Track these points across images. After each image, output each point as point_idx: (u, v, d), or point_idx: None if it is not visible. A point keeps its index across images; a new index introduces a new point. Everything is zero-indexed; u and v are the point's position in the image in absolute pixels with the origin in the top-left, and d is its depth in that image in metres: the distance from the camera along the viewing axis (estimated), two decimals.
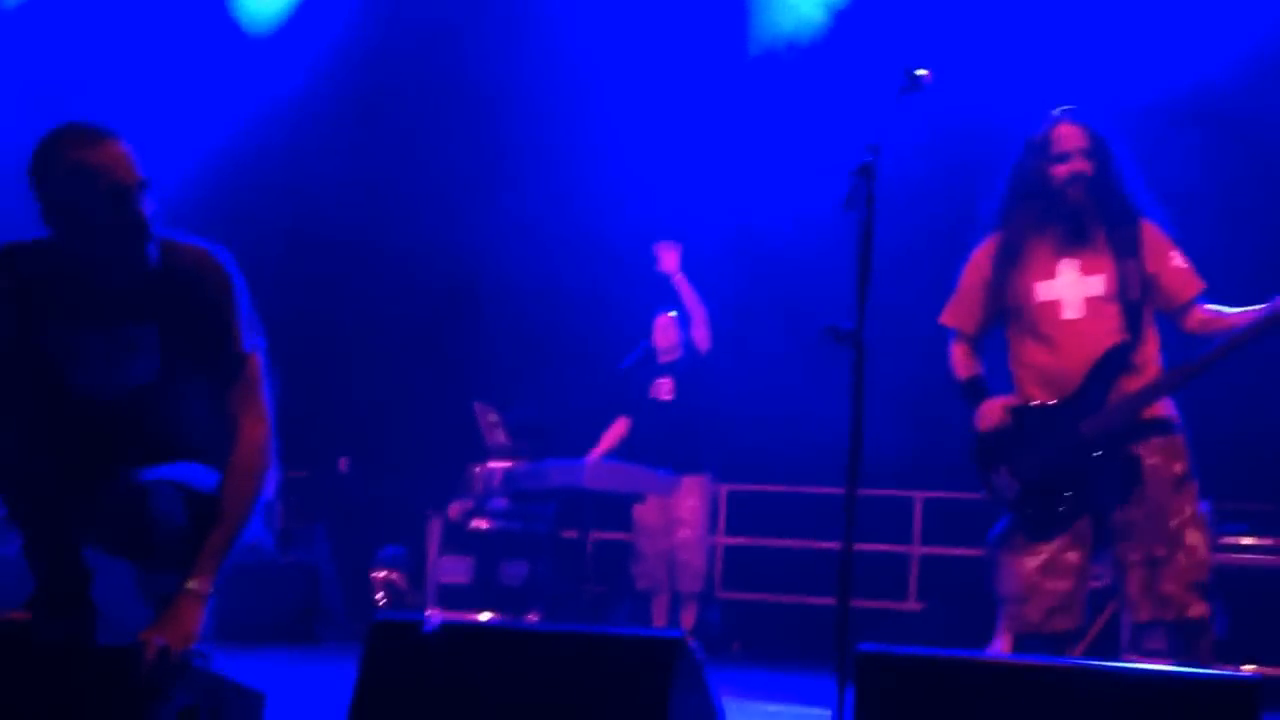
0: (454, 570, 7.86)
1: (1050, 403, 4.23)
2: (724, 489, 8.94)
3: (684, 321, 7.70)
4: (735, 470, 8.53)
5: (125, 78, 9.11)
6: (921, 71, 3.71)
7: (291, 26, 9.57)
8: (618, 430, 7.82)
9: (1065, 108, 4.32)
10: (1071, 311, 4.21)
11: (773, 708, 5.63)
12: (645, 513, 7.60)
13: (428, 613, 7.52)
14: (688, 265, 7.65)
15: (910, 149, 4.45)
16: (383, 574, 8.23)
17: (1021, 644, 4.30)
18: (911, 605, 8.53)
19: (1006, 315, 4.36)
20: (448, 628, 2.95)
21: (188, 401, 3.22)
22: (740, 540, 9.17)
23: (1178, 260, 4.26)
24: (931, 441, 8.43)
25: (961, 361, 4.46)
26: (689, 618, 7.50)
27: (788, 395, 8.41)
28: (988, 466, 4.32)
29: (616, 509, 7.74)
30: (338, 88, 9.42)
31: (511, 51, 9.15)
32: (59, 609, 3.20)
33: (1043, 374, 4.27)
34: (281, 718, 4.23)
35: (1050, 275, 4.26)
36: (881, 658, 2.81)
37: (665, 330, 7.77)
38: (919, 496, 8.88)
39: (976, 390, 4.39)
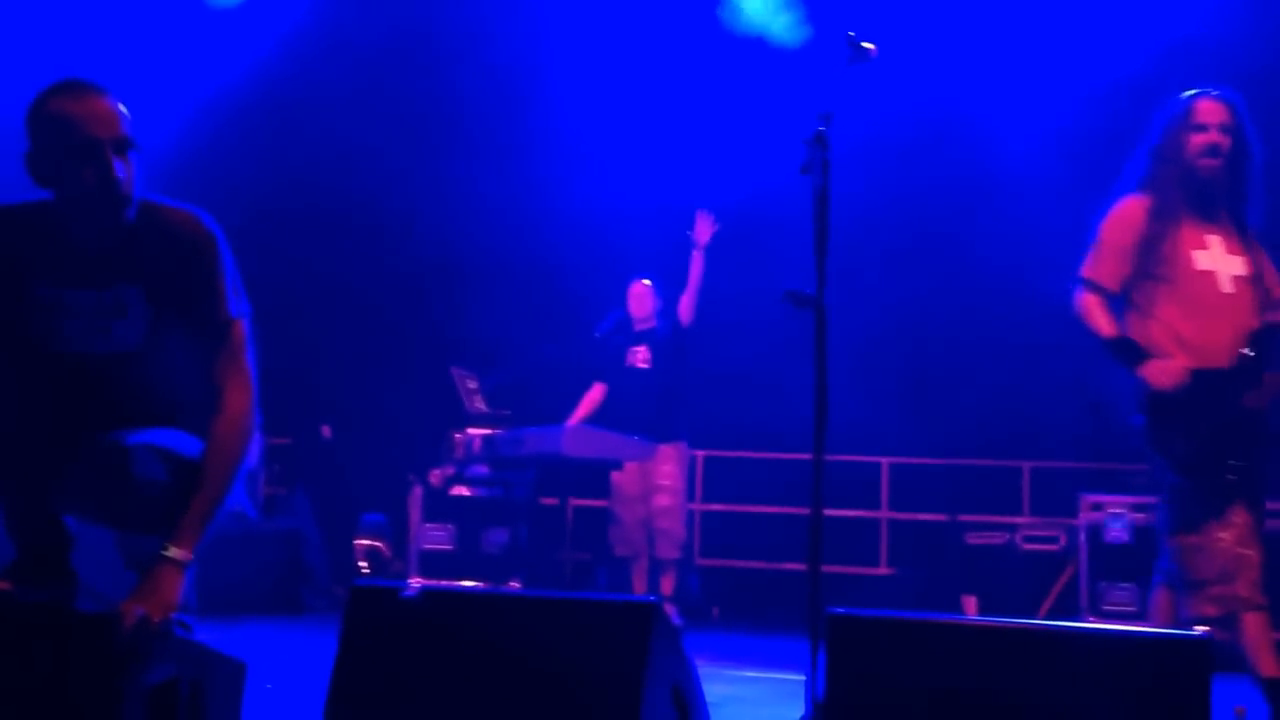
0: (436, 537, 7.91)
1: (1221, 367, 4.14)
2: (700, 455, 9.01)
3: (665, 291, 7.71)
4: (710, 437, 8.60)
5: (98, 46, 9.09)
6: (868, 45, 3.76)
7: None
8: (594, 397, 7.85)
9: (1207, 89, 4.32)
10: (1226, 286, 4.21)
11: (750, 672, 5.71)
12: (623, 479, 7.64)
13: (410, 580, 7.59)
14: (672, 236, 7.68)
15: (864, 118, 4.51)
16: (366, 542, 8.29)
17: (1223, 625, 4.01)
18: (882, 570, 8.64)
19: (1148, 275, 4.27)
20: (427, 593, 2.99)
21: (174, 367, 3.18)
22: (716, 506, 9.25)
23: (1270, 264, 4.34)
24: (897, 407, 8.54)
25: (1104, 318, 4.31)
26: (668, 584, 7.55)
27: (761, 363, 8.48)
28: (1166, 427, 4.15)
29: (595, 476, 7.79)
30: (318, 55, 9.38)
31: (488, 27, 9.14)
32: (39, 576, 3.20)
33: (1187, 340, 4.19)
34: (266, 685, 4.31)
35: (1203, 246, 4.25)
36: (851, 620, 2.89)
37: (640, 299, 7.78)
38: (885, 462, 8.98)
39: (1134, 348, 4.24)
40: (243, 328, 3.19)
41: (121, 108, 3.06)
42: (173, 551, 2.97)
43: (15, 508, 3.21)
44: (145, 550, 3.05)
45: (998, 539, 7.59)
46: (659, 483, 7.54)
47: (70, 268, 3.10)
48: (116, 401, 3.15)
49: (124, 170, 3.03)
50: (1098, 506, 6.84)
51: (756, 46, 8.76)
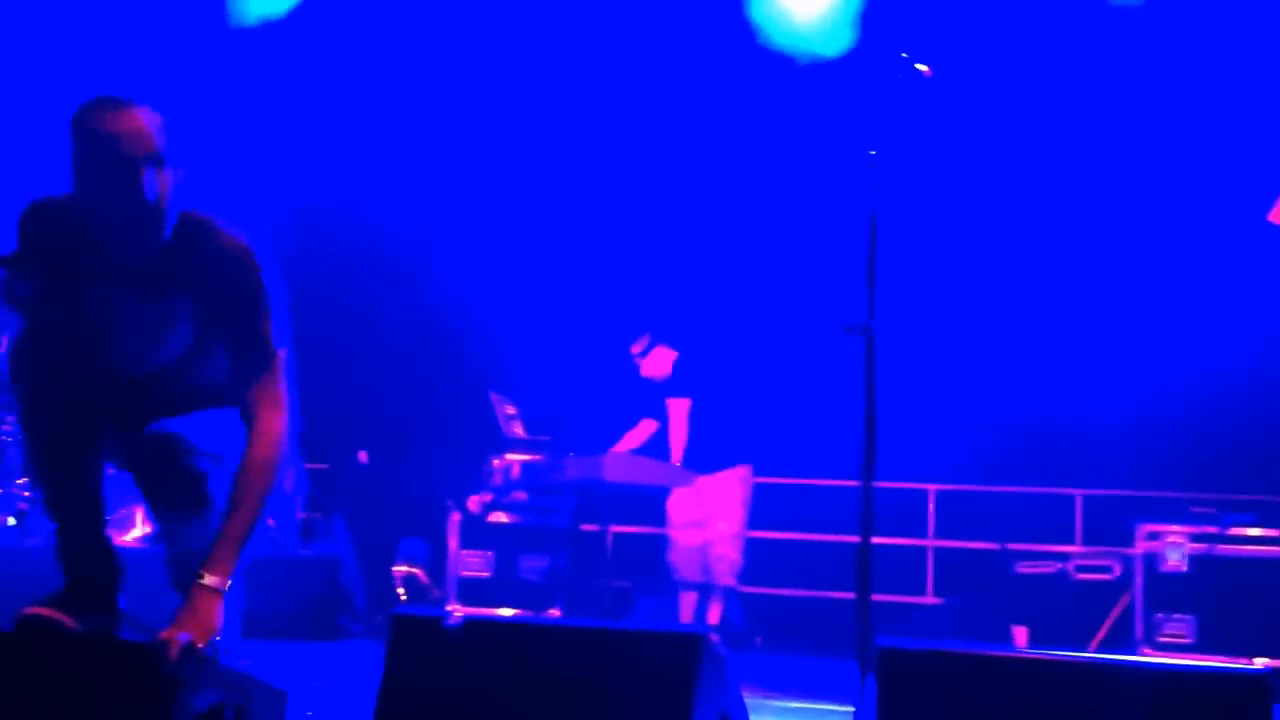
0: (474, 564, 7.86)
1: None
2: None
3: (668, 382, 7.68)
4: (755, 463, 8.52)
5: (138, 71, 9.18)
6: (922, 67, 3.71)
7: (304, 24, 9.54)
8: (642, 433, 7.77)
9: None
10: None
11: (796, 703, 5.63)
12: (679, 505, 7.56)
13: (449, 608, 7.54)
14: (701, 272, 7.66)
15: (916, 142, 4.46)
16: (404, 569, 8.25)
17: None
18: (929, 599, 8.53)
19: None
20: (470, 623, 2.97)
21: (212, 386, 3.28)
22: (758, 533, 9.15)
23: None
24: (943, 433, 8.45)
25: None
26: (715, 612, 7.46)
27: (805, 387, 8.41)
28: None
29: (636, 502, 7.73)
30: (351, 79, 9.38)
31: (524, 61, 9.15)
32: (86, 605, 3.22)
33: None
34: (306, 713, 4.28)
35: None
36: (901, 652, 2.84)
37: (650, 363, 7.76)
38: (932, 489, 8.87)
39: None
40: (282, 359, 3.21)
41: (158, 122, 3.08)
42: (209, 579, 3.02)
43: (65, 530, 3.25)
44: (185, 543, 3.20)
45: (1049, 568, 7.47)
46: (716, 509, 7.46)
47: (121, 273, 3.16)
48: (158, 410, 3.28)
49: (157, 187, 3.04)
50: (1154, 535, 6.71)
51: (801, 66, 8.71)
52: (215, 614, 2.98)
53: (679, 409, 7.60)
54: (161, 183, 3.05)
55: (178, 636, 2.84)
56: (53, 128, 3.30)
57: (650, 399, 7.75)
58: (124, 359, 3.21)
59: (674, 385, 7.69)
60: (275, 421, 3.14)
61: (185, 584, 3.08)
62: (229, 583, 3.04)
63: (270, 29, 9.50)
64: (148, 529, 7.22)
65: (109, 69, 8.56)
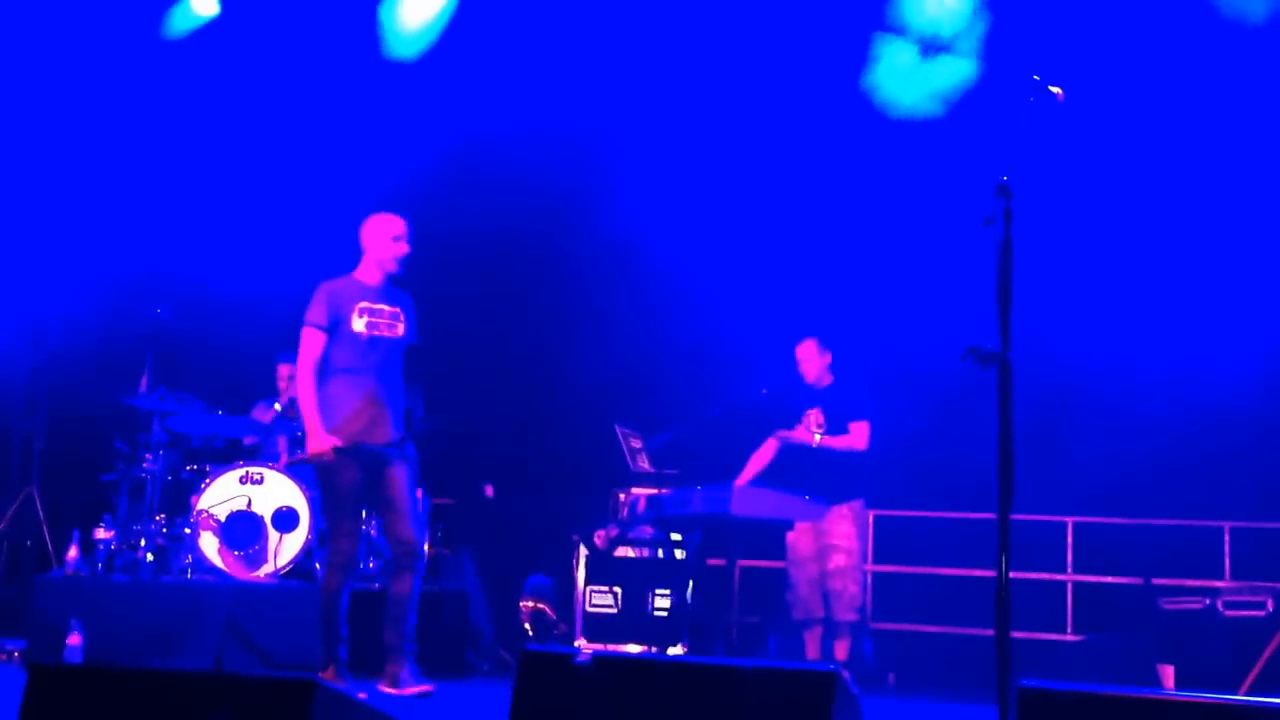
0: (601, 599, 7.84)
1: None
2: (870, 515, 8.78)
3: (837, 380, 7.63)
4: (884, 495, 8.40)
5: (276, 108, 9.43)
6: (1055, 89, 3.63)
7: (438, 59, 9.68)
8: (766, 454, 7.71)
9: None
10: None
11: None
12: (797, 540, 7.49)
13: (576, 643, 7.52)
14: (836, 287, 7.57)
15: (1048, 167, 4.36)
16: (530, 604, 8.26)
17: None
18: (1069, 636, 8.29)
19: None
20: (600, 660, 2.95)
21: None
22: (890, 568, 9.00)
23: None
24: (1081, 462, 8.23)
25: None
26: (842, 649, 7.35)
27: (937, 418, 8.27)
28: None
29: (764, 536, 7.65)
30: (491, 116, 9.45)
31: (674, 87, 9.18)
32: None
33: None
34: None
35: None
36: (1044, 694, 2.75)
37: (806, 361, 7.67)
38: (1070, 521, 8.63)
39: None
40: None
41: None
42: None
43: None
44: None
45: (1196, 604, 7.21)
46: (834, 543, 7.38)
47: (374, 294, 5.97)
48: (398, 366, 5.99)
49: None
50: None
51: (929, 89, 8.60)
52: None
53: (856, 431, 7.51)
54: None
55: None
56: None
57: (785, 413, 7.68)
58: (381, 332, 6.02)
59: (821, 394, 7.61)
60: None
61: None
62: None
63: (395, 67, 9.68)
64: (279, 566, 7.33)
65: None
